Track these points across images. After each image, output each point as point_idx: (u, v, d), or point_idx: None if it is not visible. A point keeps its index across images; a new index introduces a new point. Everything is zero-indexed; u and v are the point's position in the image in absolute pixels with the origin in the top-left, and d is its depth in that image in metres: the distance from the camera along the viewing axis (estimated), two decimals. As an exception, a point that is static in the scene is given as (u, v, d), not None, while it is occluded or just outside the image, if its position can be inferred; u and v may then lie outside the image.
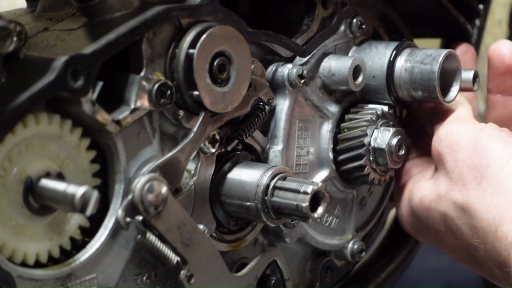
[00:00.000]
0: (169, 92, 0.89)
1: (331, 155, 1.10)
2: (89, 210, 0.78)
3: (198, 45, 0.89)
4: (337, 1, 1.08)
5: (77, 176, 0.84)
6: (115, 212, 0.86)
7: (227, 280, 0.98)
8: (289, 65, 1.03)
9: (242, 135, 0.98)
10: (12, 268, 0.79)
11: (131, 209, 0.86)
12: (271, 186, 0.96)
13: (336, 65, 1.07)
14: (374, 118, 1.09)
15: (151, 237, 0.88)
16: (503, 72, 1.14)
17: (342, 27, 1.10)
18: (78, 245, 0.85)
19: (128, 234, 0.88)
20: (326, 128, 1.09)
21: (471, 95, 1.18)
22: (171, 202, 0.89)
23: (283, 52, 1.04)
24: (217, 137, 0.96)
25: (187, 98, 0.90)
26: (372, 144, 1.09)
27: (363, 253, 1.17)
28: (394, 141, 1.08)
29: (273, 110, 1.03)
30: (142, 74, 0.87)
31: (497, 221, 0.96)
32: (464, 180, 1.02)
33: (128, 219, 0.86)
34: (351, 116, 1.11)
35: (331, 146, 1.10)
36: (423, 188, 1.10)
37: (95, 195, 0.78)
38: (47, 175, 0.82)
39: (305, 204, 0.93)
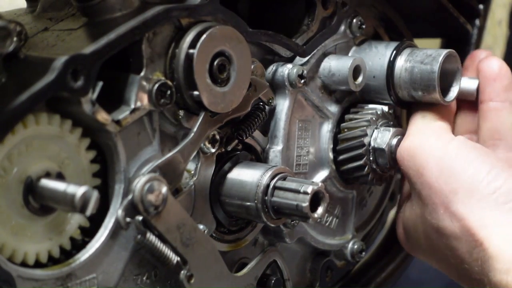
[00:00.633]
0: (169, 92, 0.89)
1: (331, 155, 1.10)
2: (89, 210, 0.78)
3: (198, 45, 0.89)
4: (337, 1, 1.08)
5: (77, 176, 0.84)
6: (115, 212, 0.86)
7: (227, 280, 0.98)
8: (289, 65, 1.03)
9: (242, 135, 0.98)
10: (12, 268, 0.79)
11: (131, 209, 0.86)
12: (271, 186, 0.96)
13: (336, 65, 1.07)
14: (374, 118, 1.09)
15: (151, 237, 0.88)
16: (493, 78, 1.10)
17: (342, 27, 1.10)
18: (78, 245, 0.85)
19: (128, 234, 0.88)
20: (326, 128, 1.09)
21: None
22: (171, 202, 0.89)
23: (283, 52, 1.04)
24: (217, 137, 0.96)
25: (187, 98, 0.90)
26: (372, 144, 1.09)
27: (363, 253, 1.17)
28: (394, 141, 1.08)
29: (273, 110, 1.03)
30: (142, 74, 0.87)
31: (470, 246, 0.95)
32: (432, 204, 1.00)
33: (128, 219, 0.86)
34: (351, 116, 1.11)
35: (331, 146, 1.10)
36: (411, 207, 1.09)
37: (95, 195, 0.78)
38: (47, 175, 0.82)
39: (305, 204, 0.93)
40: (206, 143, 0.95)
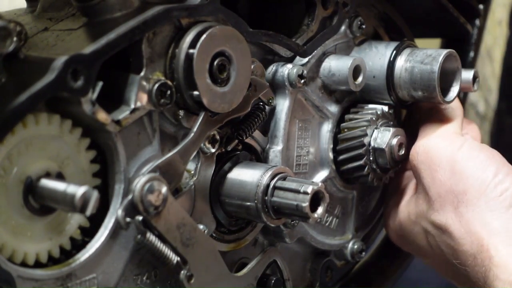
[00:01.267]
0: (169, 92, 0.89)
1: (331, 155, 1.10)
2: (89, 210, 0.78)
3: (198, 45, 0.89)
4: (338, 1, 1.08)
5: (77, 176, 0.84)
6: (115, 212, 0.86)
7: (227, 280, 0.98)
8: (289, 65, 1.03)
9: (242, 135, 0.98)
10: (12, 268, 0.79)
11: (131, 209, 0.86)
12: (271, 186, 0.96)
13: (336, 65, 1.07)
14: (374, 118, 1.09)
15: (151, 237, 0.88)
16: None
17: (343, 27, 1.10)
18: (78, 245, 0.85)
19: (128, 234, 0.88)
20: (326, 128, 1.09)
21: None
22: (171, 202, 0.89)
23: (283, 52, 1.04)
24: (217, 137, 0.96)
25: (187, 98, 0.90)
26: (372, 144, 1.09)
27: (363, 253, 1.17)
28: (394, 141, 1.09)
29: (273, 110, 1.03)
30: (142, 74, 0.87)
31: (474, 248, 0.98)
32: (441, 201, 1.03)
33: (128, 219, 0.86)
34: (351, 116, 1.11)
35: (331, 146, 1.10)
36: (409, 202, 1.10)
37: (95, 195, 0.78)
38: (47, 175, 0.82)
39: (305, 204, 0.93)
40: (206, 143, 0.95)
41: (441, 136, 1.07)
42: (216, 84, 0.91)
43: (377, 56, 1.10)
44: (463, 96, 1.31)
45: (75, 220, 0.85)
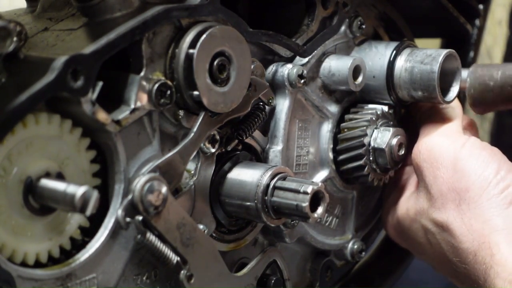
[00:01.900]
0: (169, 92, 0.89)
1: (331, 155, 1.10)
2: (89, 210, 0.78)
3: (198, 45, 0.89)
4: (338, 1, 1.08)
5: (77, 176, 0.84)
6: (115, 212, 0.86)
7: (227, 280, 0.98)
8: (289, 65, 1.03)
9: (242, 135, 0.98)
10: (12, 268, 0.79)
11: (131, 209, 0.86)
12: (271, 186, 0.96)
13: (336, 65, 1.07)
14: (374, 118, 1.09)
15: (151, 237, 0.88)
16: None
17: (343, 27, 1.10)
18: (78, 245, 0.85)
19: (128, 234, 0.88)
20: (326, 128, 1.09)
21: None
22: (171, 202, 0.89)
23: (283, 52, 1.04)
24: (217, 137, 0.96)
25: (187, 98, 0.90)
26: (372, 144, 1.09)
27: (363, 253, 1.17)
28: (394, 141, 1.09)
29: (273, 110, 1.03)
30: (142, 74, 0.87)
31: (475, 245, 0.98)
32: (443, 199, 1.03)
33: (128, 219, 0.86)
34: (351, 116, 1.11)
35: (331, 146, 1.10)
36: (408, 199, 1.11)
37: (95, 195, 0.78)
38: (47, 175, 0.82)
39: (305, 204, 0.93)
40: (206, 143, 0.95)
41: (444, 135, 1.07)
42: (216, 84, 0.91)
43: (377, 56, 1.10)
44: (463, 96, 1.31)
45: (75, 220, 0.85)
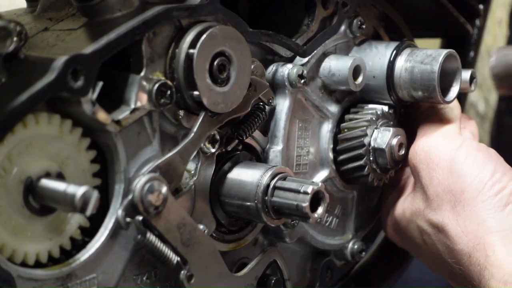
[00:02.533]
0: (169, 92, 0.89)
1: (331, 155, 1.10)
2: (89, 210, 0.78)
3: (198, 45, 0.89)
4: (338, 1, 1.08)
5: (77, 176, 0.84)
6: (115, 212, 0.86)
7: (227, 280, 0.98)
8: (289, 65, 1.03)
9: (242, 135, 0.98)
10: (12, 268, 0.79)
11: (131, 209, 0.86)
12: (271, 186, 0.96)
13: (336, 65, 1.07)
14: (374, 118, 1.09)
15: (151, 237, 0.88)
16: None
17: (343, 27, 1.10)
18: (78, 245, 0.85)
19: (128, 234, 0.88)
20: (326, 128, 1.09)
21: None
22: (171, 202, 0.89)
23: (283, 52, 1.04)
24: (217, 137, 0.96)
25: (187, 98, 0.90)
26: (372, 144, 1.09)
27: (363, 253, 1.17)
28: (394, 141, 1.09)
29: (273, 110, 1.03)
30: (142, 74, 0.87)
31: (470, 247, 0.98)
32: (439, 200, 1.03)
33: (128, 219, 0.86)
34: (351, 116, 1.11)
35: (331, 146, 1.10)
36: (405, 199, 1.11)
37: (95, 195, 0.78)
38: (47, 175, 0.82)
39: (305, 204, 0.93)
40: (206, 143, 0.95)
41: (441, 136, 1.07)
42: (216, 84, 0.91)
43: (377, 56, 1.10)
44: (462, 96, 1.31)
45: (75, 220, 0.85)
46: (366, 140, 1.09)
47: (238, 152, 1.00)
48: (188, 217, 0.92)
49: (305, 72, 1.03)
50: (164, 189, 0.87)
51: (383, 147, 1.08)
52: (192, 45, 0.89)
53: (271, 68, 1.03)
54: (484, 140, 1.84)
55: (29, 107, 0.77)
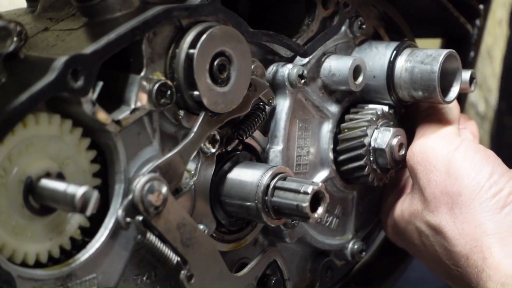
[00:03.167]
0: (169, 92, 0.89)
1: (331, 155, 1.10)
2: (89, 210, 0.78)
3: (198, 45, 0.89)
4: (339, 1, 1.08)
5: (77, 176, 0.84)
6: (115, 212, 0.86)
7: (227, 280, 0.98)
8: (290, 65, 1.03)
9: (242, 135, 0.98)
10: (12, 268, 0.79)
11: (131, 209, 0.86)
12: (271, 186, 0.96)
13: (336, 65, 1.07)
14: (374, 118, 1.09)
15: (151, 237, 0.88)
16: None
17: (343, 28, 1.10)
18: (78, 245, 0.85)
19: (128, 234, 0.88)
20: (327, 128, 1.09)
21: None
22: (171, 202, 0.89)
23: (283, 52, 1.04)
24: (217, 137, 0.96)
25: (187, 98, 0.90)
26: (373, 144, 1.09)
27: (363, 253, 1.17)
28: (395, 141, 1.08)
29: (273, 110, 1.03)
30: (142, 74, 0.87)
31: (467, 249, 0.98)
32: (436, 202, 1.03)
33: (128, 219, 0.86)
34: (351, 116, 1.10)
35: (332, 146, 1.10)
36: (404, 200, 1.11)
37: (95, 195, 0.78)
38: (47, 175, 0.81)
39: (305, 204, 0.93)
40: (206, 143, 0.95)
41: (438, 137, 1.07)
42: (216, 84, 0.91)
43: (377, 56, 1.10)
44: (462, 96, 1.31)
45: (75, 220, 0.85)
46: (366, 140, 1.09)
47: (238, 152, 1.00)
48: (188, 217, 0.92)
49: (305, 72, 1.03)
50: (164, 189, 0.87)
51: (383, 147, 1.08)
52: (192, 45, 0.89)
53: (271, 68, 1.03)
54: (484, 140, 1.84)
55: (29, 107, 0.77)
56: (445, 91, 1.07)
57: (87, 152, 0.85)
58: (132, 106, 0.86)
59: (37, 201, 0.81)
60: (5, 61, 0.80)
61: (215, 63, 0.90)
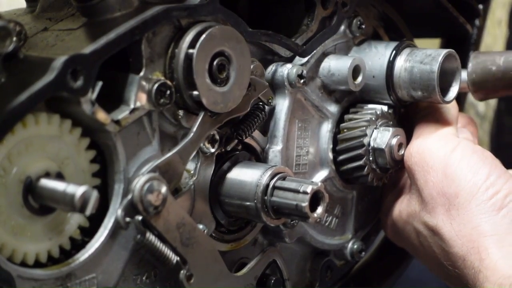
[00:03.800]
0: (168, 92, 0.89)
1: (330, 155, 1.10)
2: (89, 210, 0.78)
3: (197, 45, 0.89)
4: (337, 1, 1.08)
5: (77, 176, 0.84)
6: (115, 212, 0.86)
7: (227, 280, 0.98)
8: (289, 65, 1.03)
9: (241, 135, 0.98)
10: (12, 268, 0.79)
11: (131, 209, 0.86)
12: (270, 186, 0.96)
13: (335, 65, 1.07)
14: (373, 118, 1.09)
15: (150, 237, 0.88)
16: None
17: (342, 27, 1.10)
18: (78, 245, 0.85)
19: (128, 234, 0.88)
20: (326, 128, 1.09)
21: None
22: (171, 202, 0.89)
23: (282, 52, 1.04)
24: (217, 137, 0.96)
25: (186, 98, 0.90)
26: (372, 144, 1.09)
27: (363, 253, 1.17)
28: (394, 141, 1.08)
29: (272, 110, 1.03)
30: (141, 74, 0.87)
31: (464, 250, 0.98)
32: (434, 203, 1.03)
33: (127, 219, 0.86)
34: (350, 116, 1.11)
35: (331, 146, 1.10)
36: (402, 201, 1.11)
37: (94, 195, 0.78)
38: (47, 175, 0.82)
39: (305, 204, 0.93)
40: (206, 143, 0.95)
41: (436, 137, 1.06)
42: (215, 84, 0.91)
43: (376, 56, 1.10)
44: (462, 96, 1.31)
45: (75, 220, 0.85)
46: (365, 140, 1.09)
47: (238, 152, 1.00)
48: (187, 217, 0.92)
49: (304, 72, 1.03)
50: (164, 189, 0.87)
51: (383, 147, 1.08)
52: (192, 45, 0.89)
53: (271, 68, 1.03)
54: (484, 140, 1.83)
55: (28, 107, 0.77)
56: (444, 91, 1.07)
57: (87, 152, 0.85)
58: (132, 106, 0.86)
59: (37, 201, 0.81)
60: (5, 61, 0.80)
61: (215, 63, 0.90)
